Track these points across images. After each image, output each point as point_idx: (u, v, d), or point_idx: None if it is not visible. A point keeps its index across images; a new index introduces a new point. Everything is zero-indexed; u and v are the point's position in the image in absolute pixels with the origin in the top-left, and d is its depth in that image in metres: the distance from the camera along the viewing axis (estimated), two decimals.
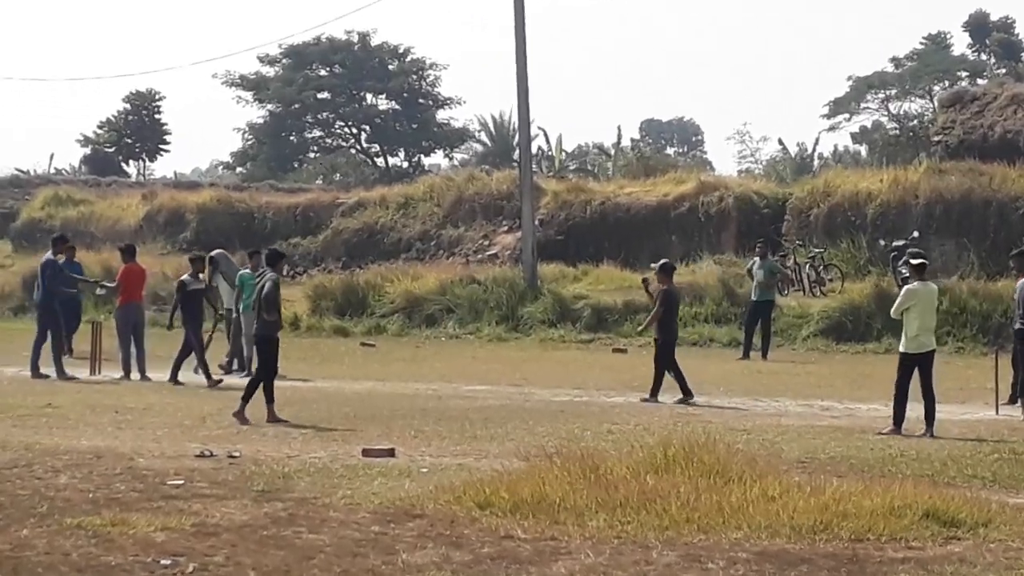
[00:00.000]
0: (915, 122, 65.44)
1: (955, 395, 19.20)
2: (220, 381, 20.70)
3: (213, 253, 23.77)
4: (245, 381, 20.55)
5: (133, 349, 21.73)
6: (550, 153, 65.98)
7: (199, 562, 8.73)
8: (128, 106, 72.88)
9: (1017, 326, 18.15)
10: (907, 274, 20.22)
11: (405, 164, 73.54)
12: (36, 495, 10.87)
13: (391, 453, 13.30)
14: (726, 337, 28.47)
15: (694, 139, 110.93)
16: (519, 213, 34.88)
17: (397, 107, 73.08)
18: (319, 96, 72.46)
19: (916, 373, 15.94)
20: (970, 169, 33.52)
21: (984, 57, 71.85)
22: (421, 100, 73.26)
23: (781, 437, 14.96)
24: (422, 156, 74.92)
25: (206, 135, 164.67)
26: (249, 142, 74.43)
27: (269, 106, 72.97)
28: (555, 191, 39.14)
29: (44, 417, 16.27)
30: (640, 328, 18.78)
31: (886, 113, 70.33)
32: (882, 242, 32.00)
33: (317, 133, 75.19)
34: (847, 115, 70.75)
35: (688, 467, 11.14)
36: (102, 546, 9.10)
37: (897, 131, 65.85)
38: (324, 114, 73.58)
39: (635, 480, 10.77)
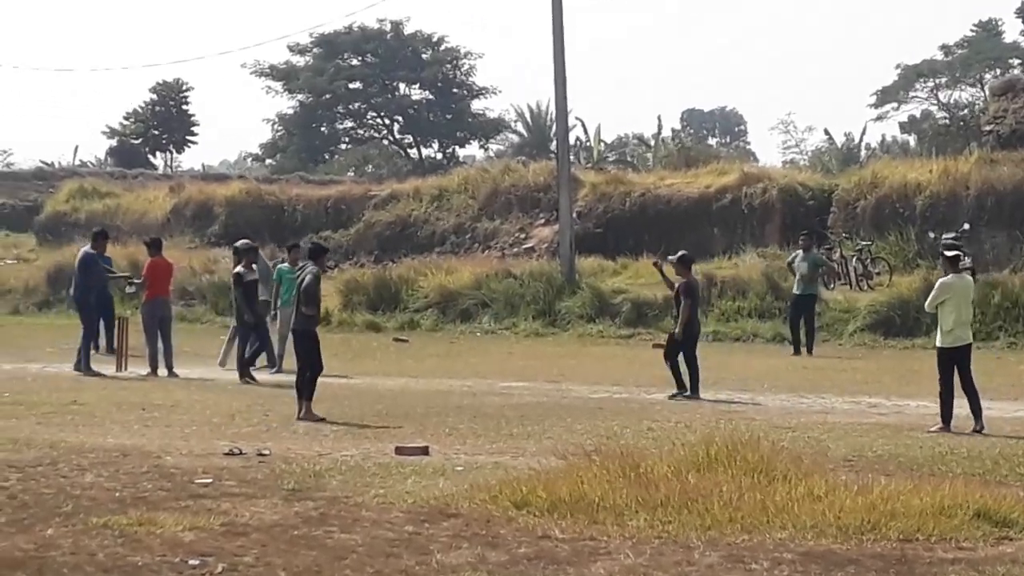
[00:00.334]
0: (965, 111, 64.71)
1: (1007, 391, 18.97)
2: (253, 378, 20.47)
3: (238, 244, 23.01)
4: (276, 378, 20.41)
5: (160, 345, 21.55)
6: (588, 144, 65.75)
7: (228, 562, 8.61)
8: (155, 97, 72.91)
9: None
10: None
11: (439, 155, 73.30)
12: (61, 494, 10.74)
13: (425, 451, 13.18)
14: (770, 332, 28.24)
15: (737, 129, 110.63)
16: (556, 205, 34.67)
17: (431, 97, 72.82)
18: (351, 86, 72.07)
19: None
20: (1023, 159, 33.06)
21: None
22: (455, 90, 73.00)
23: (827, 435, 14.76)
24: (456, 147, 74.68)
25: (235, 126, 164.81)
26: (279, 133, 74.16)
27: (300, 96, 72.65)
28: (593, 183, 38.89)
29: (69, 414, 16.15)
30: (677, 331, 18.62)
31: (935, 102, 69.89)
32: (931, 234, 31.63)
33: (349, 124, 74.78)
34: (895, 104, 70.41)
35: (731, 465, 11.01)
36: (129, 546, 8.99)
37: (947, 120, 65.20)
38: (356, 104, 73.12)
39: (676, 479, 10.65)
